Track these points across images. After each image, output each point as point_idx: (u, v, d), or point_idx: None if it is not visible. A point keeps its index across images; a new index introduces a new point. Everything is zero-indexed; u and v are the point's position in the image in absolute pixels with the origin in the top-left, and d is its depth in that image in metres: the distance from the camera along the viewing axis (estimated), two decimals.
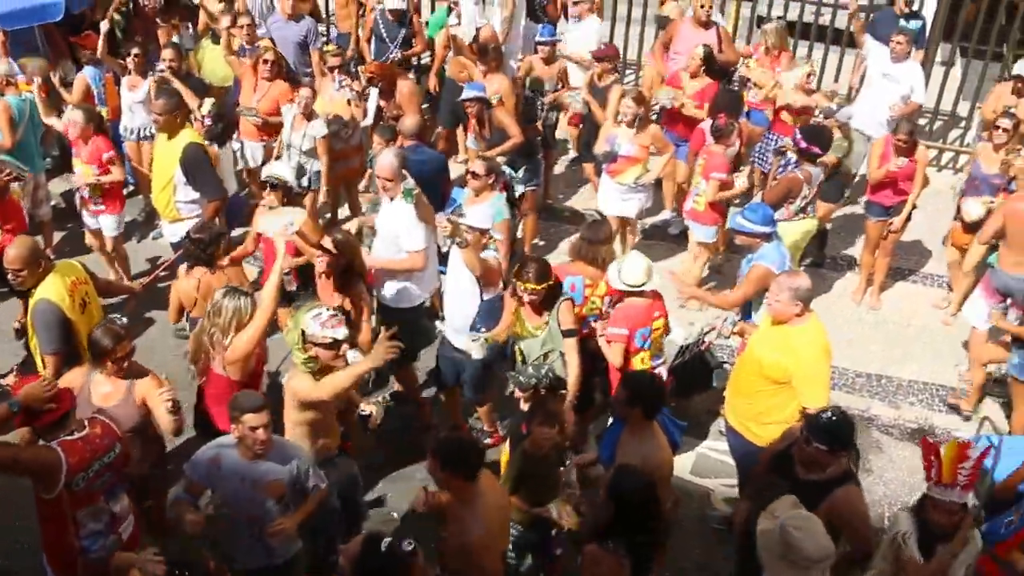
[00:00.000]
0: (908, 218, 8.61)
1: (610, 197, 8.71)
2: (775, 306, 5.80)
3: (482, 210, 6.68)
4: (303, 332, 5.33)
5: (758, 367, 5.87)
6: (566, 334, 6.14)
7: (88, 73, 9.28)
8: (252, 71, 9.17)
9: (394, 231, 6.81)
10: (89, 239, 8.69)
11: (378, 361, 5.40)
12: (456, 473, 4.75)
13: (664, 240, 9.73)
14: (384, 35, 10.03)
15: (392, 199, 6.87)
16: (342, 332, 5.33)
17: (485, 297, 6.52)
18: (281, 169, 7.19)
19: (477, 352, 6.49)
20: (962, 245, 8.45)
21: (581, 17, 10.45)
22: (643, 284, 6.33)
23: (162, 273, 7.85)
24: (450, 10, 10.52)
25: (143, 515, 5.46)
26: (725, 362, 7.39)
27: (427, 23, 10.85)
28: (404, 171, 6.86)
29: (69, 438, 4.74)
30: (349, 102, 8.91)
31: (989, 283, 7.83)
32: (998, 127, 8.15)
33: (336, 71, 8.99)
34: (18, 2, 9.25)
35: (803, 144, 7.92)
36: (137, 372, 5.50)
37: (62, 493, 4.69)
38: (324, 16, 11.97)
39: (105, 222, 8.41)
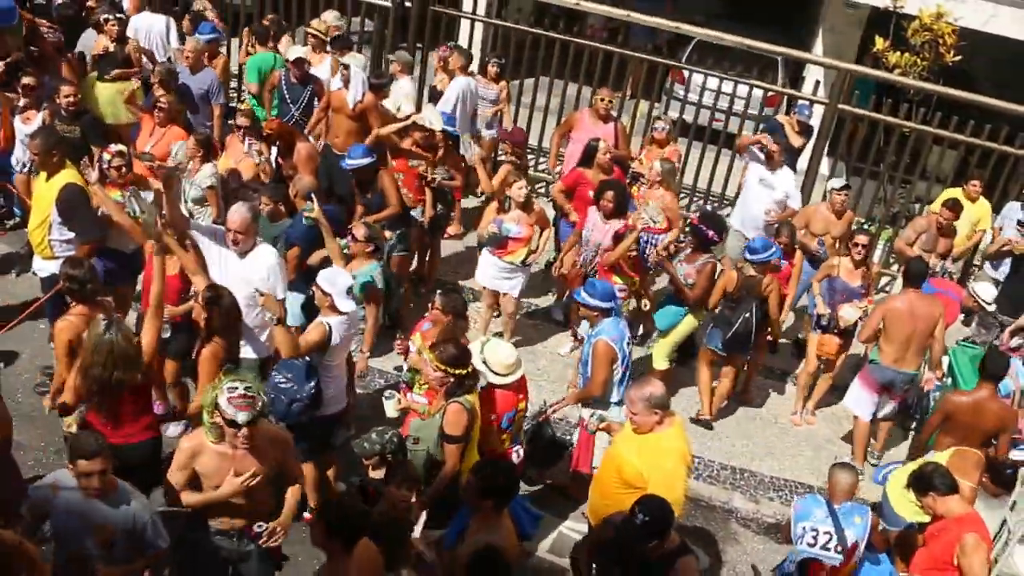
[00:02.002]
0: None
1: (491, 273, 8.69)
2: (635, 420, 5.80)
3: (329, 273, 6.50)
4: (216, 399, 5.02)
5: (618, 470, 5.83)
6: (449, 440, 5.89)
7: None
8: (150, 116, 9.06)
9: (252, 285, 6.55)
10: None
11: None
12: (336, 538, 4.70)
13: (548, 321, 9.74)
14: (287, 96, 9.95)
15: (244, 254, 6.73)
16: (243, 416, 4.93)
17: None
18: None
19: (390, 410, 6.34)
20: (827, 354, 8.70)
21: (396, 76, 10.54)
22: (510, 375, 6.28)
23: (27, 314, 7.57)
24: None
25: None
26: (568, 438, 7.43)
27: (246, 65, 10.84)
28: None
29: None
30: (257, 164, 8.77)
31: (869, 377, 8.14)
32: (856, 244, 8.53)
33: (244, 132, 8.80)
34: None
35: (710, 233, 8.11)
36: None
37: None
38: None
39: None
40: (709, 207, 11.83)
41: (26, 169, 8.93)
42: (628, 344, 6.90)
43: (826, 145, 10.82)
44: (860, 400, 8.26)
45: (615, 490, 5.80)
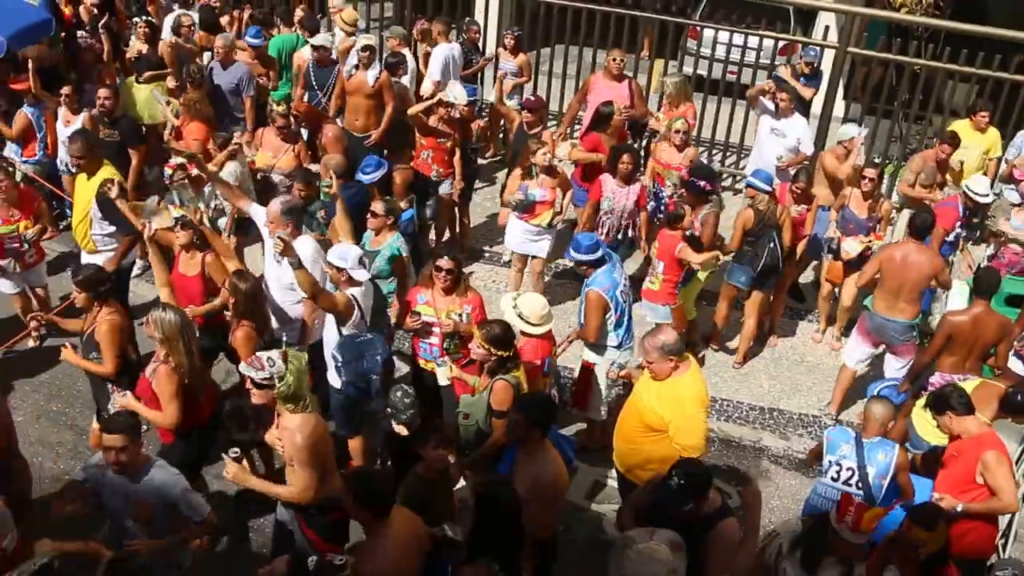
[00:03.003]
0: (801, 260, 8.86)
1: (519, 237, 8.82)
2: (651, 368, 5.90)
3: (340, 249, 6.53)
4: None
5: (639, 416, 5.95)
6: (497, 415, 5.97)
7: (28, 110, 9.31)
8: (185, 113, 9.28)
9: (289, 277, 6.65)
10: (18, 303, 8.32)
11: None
12: (366, 508, 4.76)
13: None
14: (313, 81, 10.08)
15: None
16: (240, 366, 5.27)
17: (344, 332, 6.45)
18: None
19: (442, 378, 6.45)
20: (835, 280, 8.89)
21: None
22: (544, 324, 6.43)
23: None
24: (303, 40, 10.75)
25: None
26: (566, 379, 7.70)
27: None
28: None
29: None
30: (298, 155, 8.97)
31: (863, 324, 8.08)
32: (864, 177, 8.54)
33: (281, 130, 8.92)
34: None
35: (703, 184, 8.18)
36: None
37: None
38: None
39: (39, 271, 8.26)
40: (729, 159, 11.87)
41: (72, 170, 9.17)
42: (622, 292, 7.04)
43: (838, 88, 10.75)
44: (850, 347, 8.29)
45: (639, 435, 5.95)
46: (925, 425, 6.75)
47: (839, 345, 9.13)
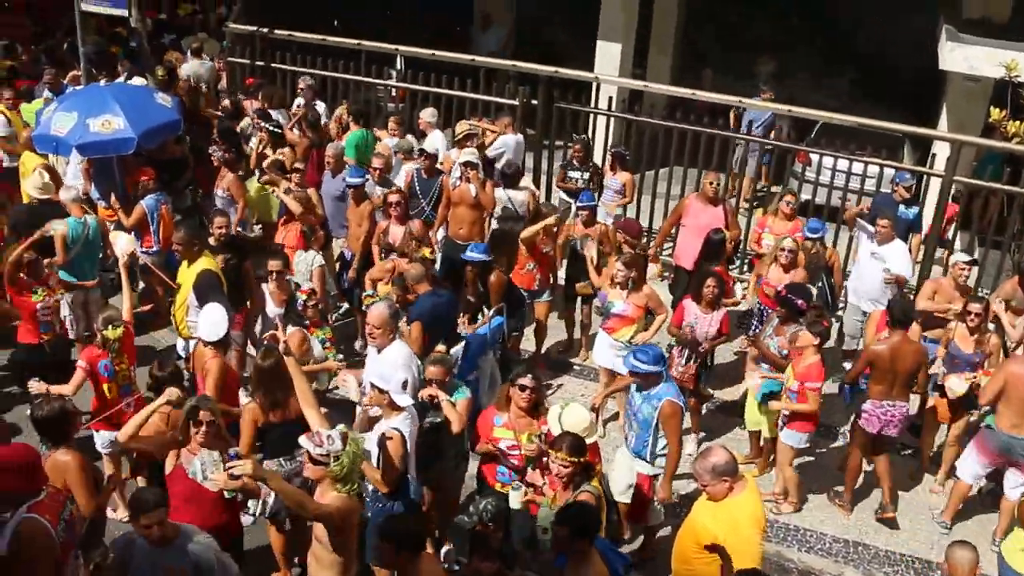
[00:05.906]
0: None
1: (604, 351, 8.60)
2: (707, 490, 5.65)
3: (384, 371, 6.34)
4: None
5: (695, 536, 5.70)
6: None
7: (146, 203, 9.58)
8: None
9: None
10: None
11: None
12: (390, 544, 5.12)
13: None
14: (418, 190, 10.15)
15: (380, 350, 6.83)
16: (314, 449, 5.17)
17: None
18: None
19: (515, 502, 6.26)
20: (942, 419, 8.34)
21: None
22: (587, 436, 6.17)
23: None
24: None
25: None
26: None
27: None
28: None
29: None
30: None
31: (985, 444, 7.64)
32: (970, 312, 8.05)
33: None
34: (98, 136, 9.75)
35: (799, 303, 7.95)
36: None
37: None
38: None
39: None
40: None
41: None
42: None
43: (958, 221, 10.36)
44: (966, 463, 7.79)
45: (693, 556, 5.68)
46: (1017, 558, 6.11)
47: (938, 489, 8.48)
